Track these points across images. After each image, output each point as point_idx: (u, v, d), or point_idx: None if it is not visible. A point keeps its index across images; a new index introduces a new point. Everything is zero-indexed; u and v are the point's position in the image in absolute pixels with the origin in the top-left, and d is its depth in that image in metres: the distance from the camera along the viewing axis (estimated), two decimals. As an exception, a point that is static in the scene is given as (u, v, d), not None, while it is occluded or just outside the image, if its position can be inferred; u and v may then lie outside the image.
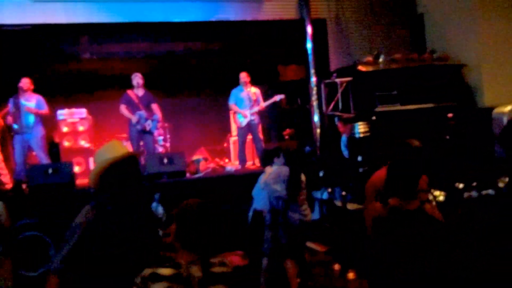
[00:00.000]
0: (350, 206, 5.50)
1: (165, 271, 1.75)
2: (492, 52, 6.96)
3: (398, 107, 6.53)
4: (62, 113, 7.55)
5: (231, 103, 7.39)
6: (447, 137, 6.17)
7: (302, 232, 4.33)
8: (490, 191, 4.15)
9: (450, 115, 6.59)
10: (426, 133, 6.16)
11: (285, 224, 4.18)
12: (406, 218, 2.64)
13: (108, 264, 2.12)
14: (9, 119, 6.42)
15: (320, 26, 8.05)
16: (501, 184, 3.90)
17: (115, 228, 2.17)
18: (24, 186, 5.85)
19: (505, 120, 4.83)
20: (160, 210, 4.62)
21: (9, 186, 6.32)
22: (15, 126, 6.39)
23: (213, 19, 7.72)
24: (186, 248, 1.85)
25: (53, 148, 7.06)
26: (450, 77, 6.95)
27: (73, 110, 7.62)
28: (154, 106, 6.94)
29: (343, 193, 5.47)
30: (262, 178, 4.44)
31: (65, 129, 7.50)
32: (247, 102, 7.30)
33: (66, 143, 7.42)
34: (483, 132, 5.69)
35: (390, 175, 2.68)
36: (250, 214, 4.66)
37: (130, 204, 2.27)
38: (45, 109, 6.53)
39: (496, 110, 5.16)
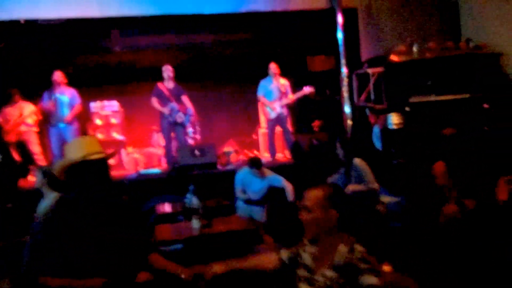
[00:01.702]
0: (384, 199, 5.42)
1: (360, 247, 1.86)
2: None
3: (433, 98, 6.38)
4: (95, 106, 7.69)
5: (260, 95, 7.37)
6: (485, 128, 6.00)
7: None
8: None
9: (486, 105, 6.40)
10: (462, 124, 6.02)
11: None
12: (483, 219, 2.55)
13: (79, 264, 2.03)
14: (46, 108, 6.58)
15: (350, 15, 7.90)
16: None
17: (77, 223, 2.07)
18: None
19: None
20: (195, 201, 4.64)
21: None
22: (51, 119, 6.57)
23: (243, 10, 7.68)
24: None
25: (87, 140, 7.19)
26: (487, 66, 6.74)
27: (105, 103, 7.75)
28: (184, 98, 6.99)
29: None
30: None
31: (98, 121, 7.64)
32: (276, 94, 7.28)
33: (99, 135, 7.56)
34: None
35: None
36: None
37: (95, 202, 2.16)
38: (77, 102, 6.67)
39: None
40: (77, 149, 2.18)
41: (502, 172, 4.46)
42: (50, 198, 3.65)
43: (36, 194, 4.55)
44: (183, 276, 2.12)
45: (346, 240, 1.90)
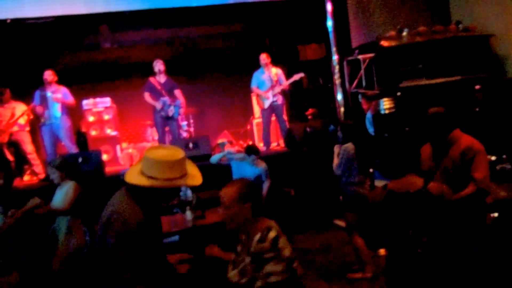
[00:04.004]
0: (378, 183, 5.45)
1: (272, 234, 2.05)
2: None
3: (424, 82, 6.38)
4: (87, 103, 7.67)
5: (253, 86, 7.37)
6: (477, 109, 6.02)
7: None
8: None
9: (477, 87, 6.41)
10: (454, 106, 6.03)
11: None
12: (404, 202, 2.59)
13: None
14: (37, 111, 6.56)
15: (340, 3, 7.87)
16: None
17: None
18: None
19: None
20: (189, 193, 4.67)
21: (42, 175, 6.50)
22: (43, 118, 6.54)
23: (232, 1, 7.64)
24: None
25: (80, 138, 7.20)
26: (477, 48, 6.74)
27: (97, 99, 7.73)
28: (177, 92, 6.98)
29: (370, 170, 5.41)
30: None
31: (91, 118, 7.63)
32: (268, 84, 7.27)
33: (93, 132, 7.56)
34: (513, 103, 5.54)
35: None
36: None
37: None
38: (70, 100, 6.63)
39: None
40: (163, 172, 2.14)
41: (491, 152, 4.50)
42: (66, 186, 3.93)
43: (31, 194, 4.57)
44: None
45: (262, 228, 2.08)
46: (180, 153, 2.20)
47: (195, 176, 2.24)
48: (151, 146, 2.34)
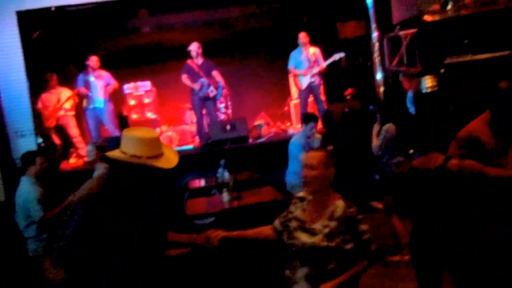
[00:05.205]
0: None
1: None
2: None
3: (470, 57, 6.06)
4: (128, 87, 7.87)
5: (291, 67, 7.28)
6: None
7: None
8: None
9: (529, 62, 6.03)
10: (503, 83, 5.72)
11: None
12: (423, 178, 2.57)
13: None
14: (82, 93, 6.80)
15: (380, -23, 7.58)
16: None
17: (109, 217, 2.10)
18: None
19: None
20: (227, 175, 4.72)
21: (87, 158, 6.76)
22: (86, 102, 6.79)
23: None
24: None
25: (122, 121, 7.40)
26: (529, 20, 6.31)
27: (138, 83, 7.90)
28: (215, 73, 7.02)
29: (411, 151, 5.26)
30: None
31: (132, 102, 7.83)
32: (306, 64, 7.16)
33: (134, 116, 7.76)
34: None
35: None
36: None
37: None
38: (114, 84, 6.85)
39: None
40: (138, 148, 2.10)
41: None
42: (100, 168, 3.96)
43: (77, 176, 4.78)
44: (198, 241, 2.39)
45: (339, 196, 2.29)
46: (153, 133, 2.21)
47: (170, 159, 2.22)
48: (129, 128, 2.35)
